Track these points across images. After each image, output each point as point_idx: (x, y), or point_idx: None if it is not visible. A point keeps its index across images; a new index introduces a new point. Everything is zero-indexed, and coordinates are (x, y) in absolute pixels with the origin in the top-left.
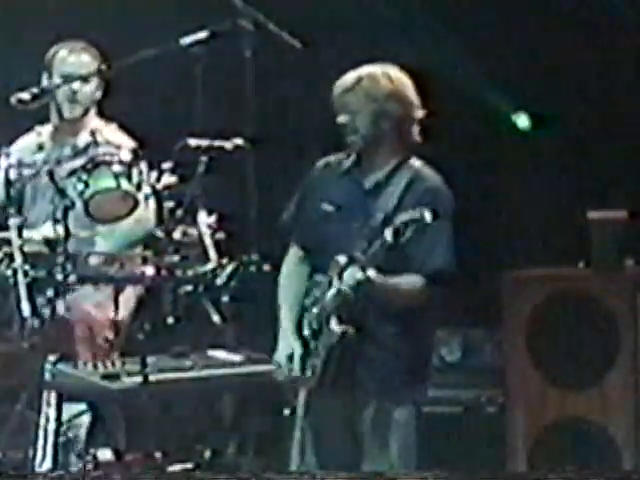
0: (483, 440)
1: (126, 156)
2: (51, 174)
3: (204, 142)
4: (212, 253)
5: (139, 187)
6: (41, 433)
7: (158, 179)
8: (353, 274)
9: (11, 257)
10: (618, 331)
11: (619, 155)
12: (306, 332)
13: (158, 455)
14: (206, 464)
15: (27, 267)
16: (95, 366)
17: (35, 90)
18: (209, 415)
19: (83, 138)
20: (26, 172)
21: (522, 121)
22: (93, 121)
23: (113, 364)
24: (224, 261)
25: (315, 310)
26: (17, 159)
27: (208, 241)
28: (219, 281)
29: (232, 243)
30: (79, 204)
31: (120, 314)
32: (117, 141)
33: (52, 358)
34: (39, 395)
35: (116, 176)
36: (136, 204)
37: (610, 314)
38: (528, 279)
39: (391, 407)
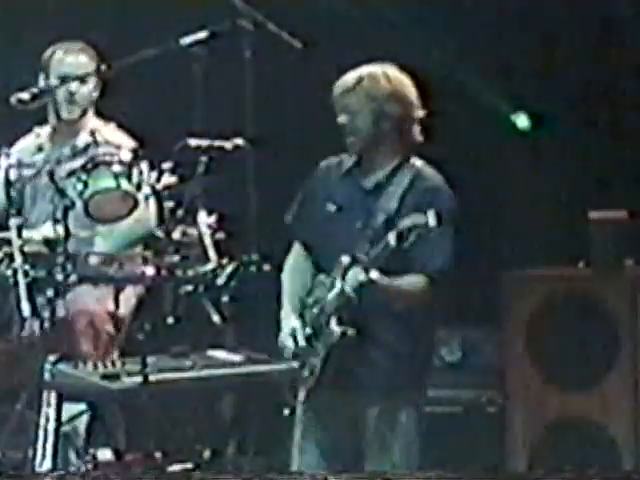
0: (483, 440)
1: (126, 156)
2: (51, 174)
3: (204, 142)
4: (212, 253)
5: (139, 187)
6: (41, 433)
7: (158, 179)
8: (356, 276)
9: (11, 257)
10: (618, 331)
11: (619, 155)
12: (307, 330)
13: (158, 455)
14: (206, 464)
15: (27, 267)
16: (95, 366)
17: (35, 90)
18: (209, 415)
19: (83, 138)
20: (26, 173)
21: (522, 121)
22: (91, 121)
23: (113, 364)
24: (224, 261)
25: (316, 310)
26: (17, 159)
27: (208, 241)
28: (219, 281)
29: (232, 243)
30: (79, 204)
31: (120, 310)
32: (117, 141)
33: (52, 358)
34: (39, 395)
35: (116, 176)
36: (136, 204)
37: (610, 314)
38: (528, 279)
39: (391, 407)
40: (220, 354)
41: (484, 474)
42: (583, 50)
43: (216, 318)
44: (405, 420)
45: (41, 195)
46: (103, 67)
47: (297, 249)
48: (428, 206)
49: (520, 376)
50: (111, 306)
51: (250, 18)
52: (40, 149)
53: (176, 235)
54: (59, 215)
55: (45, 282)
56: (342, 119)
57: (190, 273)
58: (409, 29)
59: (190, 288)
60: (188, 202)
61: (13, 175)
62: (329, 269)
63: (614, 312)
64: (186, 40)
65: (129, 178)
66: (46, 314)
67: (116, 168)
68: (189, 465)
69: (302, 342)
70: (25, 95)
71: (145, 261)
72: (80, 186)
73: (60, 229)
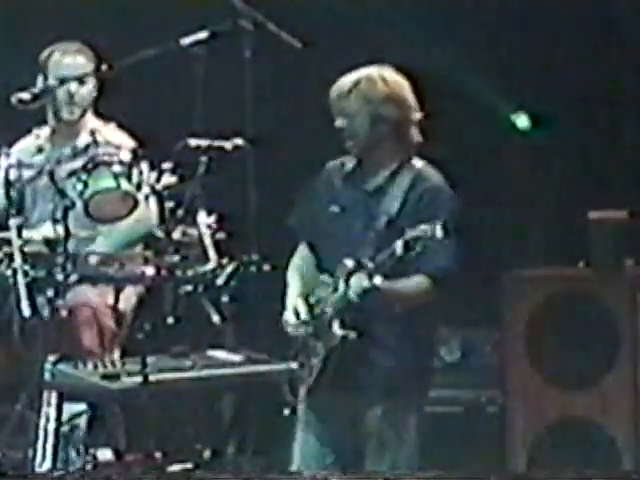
0: (483, 440)
1: (126, 156)
2: (51, 174)
3: (204, 142)
4: (212, 253)
5: (139, 187)
6: (41, 433)
7: (158, 179)
8: (360, 281)
9: (11, 257)
10: (618, 331)
11: (619, 155)
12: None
13: (158, 455)
14: (206, 464)
15: (27, 267)
16: (95, 366)
17: (35, 90)
18: (209, 415)
19: (83, 139)
20: (26, 173)
21: (522, 121)
22: (91, 121)
23: (113, 364)
24: (224, 261)
25: (317, 310)
26: (17, 159)
27: (208, 241)
28: (219, 281)
29: (232, 243)
30: (79, 204)
31: (121, 306)
32: (117, 141)
33: (52, 358)
34: (39, 395)
35: (116, 176)
36: (136, 204)
37: (610, 314)
38: (528, 279)
39: (392, 408)
40: (220, 354)
41: (484, 474)
42: (583, 50)
43: (216, 318)
44: (406, 420)
45: (41, 196)
46: (104, 67)
47: (302, 249)
48: (429, 206)
49: (520, 376)
50: (112, 301)
51: (250, 18)
52: (40, 150)
53: (176, 235)
54: (59, 215)
55: (45, 282)
56: (339, 122)
57: (190, 273)
58: (409, 29)
59: (190, 288)
60: (188, 202)
61: (13, 175)
62: (331, 269)
63: (614, 312)
64: (186, 40)
65: (129, 178)
66: (46, 314)
67: (116, 168)
68: (189, 465)
69: (304, 315)
70: (25, 95)
71: (145, 261)
72: (80, 186)
73: (60, 229)
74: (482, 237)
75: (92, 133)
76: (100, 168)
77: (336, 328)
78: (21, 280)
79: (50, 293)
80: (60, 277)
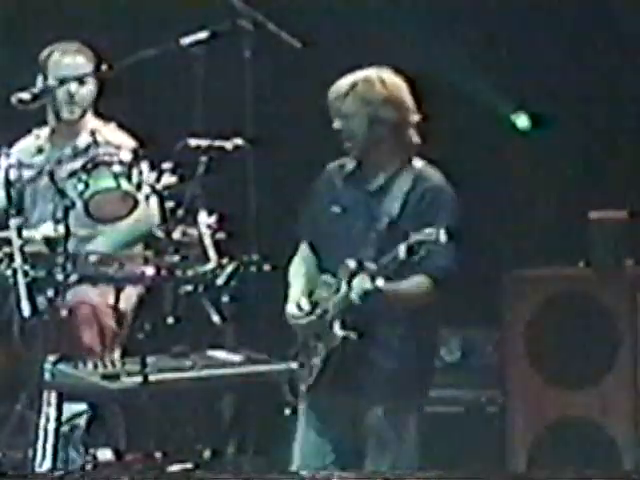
0: (483, 440)
1: (126, 156)
2: (51, 175)
3: (204, 142)
4: (212, 253)
5: (139, 187)
6: (41, 433)
7: (158, 179)
8: (362, 283)
9: (11, 257)
10: (618, 331)
11: (619, 155)
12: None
13: (158, 455)
14: (206, 464)
15: (27, 267)
16: (95, 366)
17: (35, 90)
18: (209, 415)
19: (83, 139)
20: (26, 174)
21: (522, 121)
22: (91, 122)
23: (113, 364)
24: (224, 261)
25: (318, 310)
26: (17, 160)
27: (208, 241)
28: (219, 281)
29: (232, 243)
30: (79, 204)
31: (122, 305)
32: (117, 141)
33: (52, 358)
34: (39, 395)
35: (116, 176)
36: (136, 204)
37: (610, 314)
38: (528, 279)
39: (392, 408)
40: (220, 354)
41: (484, 474)
42: (583, 50)
43: (216, 318)
44: (406, 420)
45: (41, 196)
46: (104, 67)
47: (304, 249)
48: (430, 206)
49: (520, 376)
50: (113, 300)
51: (250, 18)
52: (40, 150)
53: (176, 235)
54: (59, 215)
55: (45, 282)
56: (337, 124)
57: (190, 273)
58: (409, 29)
59: (190, 288)
60: (188, 202)
61: (13, 175)
62: (332, 270)
63: (614, 312)
64: (186, 40)
65: (129, 178)
66: (46, 314)
67: (116, 168)
68: (189, 465)
69: (306, 306)
70: (25, 95)
71: (145, 261)
72: (81, 186)
73: (60, 229)
74: (482, 237)
75: (92, 133)
76: (100, 168)
77: (337, 329)
78: (21, 280)
79: (50, 293)
80: (60, 277)
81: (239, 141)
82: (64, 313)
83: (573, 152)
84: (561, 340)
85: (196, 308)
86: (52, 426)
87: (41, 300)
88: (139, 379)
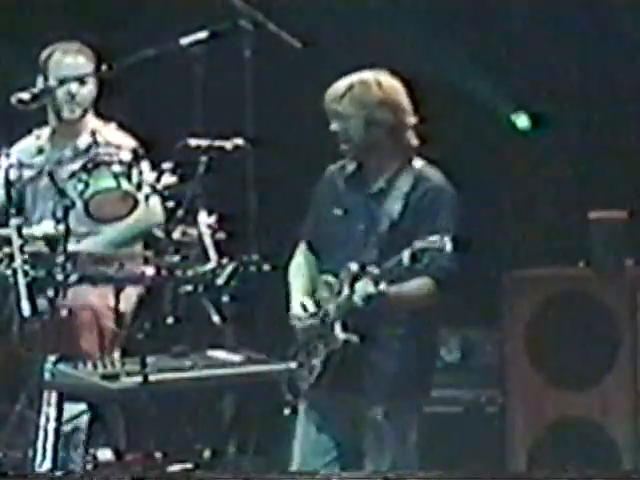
0: (483, 440)
1: (126, 156)
2: (51, 175)
3: (204, 142)
4: (212, 253)
5: (139, 187)
6: (41, 433)
7: (158, 179)
8: (365, 287)
9: (11, 257)
10: (618, 331)
11: (619, 155)
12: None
13: (158, 455)
14: (206, 464)
15: (27, 267)
16: (95, 366)
17: (35, 90)
18: (209, 415)
19: (84, 139)
20: (26, 174)
21: (522, 121)
22: (92, 122)
23: (113, 364)
24: (224, 261)
25: (320, 311)
26: (17, 160)
27: (208, 241)
28: (219, 281)
29: (232, 243)
30: (79, 204)
31: (122, 306)
32: (117, 141)
33: (52, 358)
34: (39, 395)
35: (116, 176)
36: (136, 204)
37: (610, 314)
38: (528, 279)
39: (392, 408)
40: (220, 354)
41: (484, 474)
42: (583, 50)
43: (216, 318)
44: (406, 421)
45: (41, 196)
46: (104, 67)
47: (303, 249)
48: (431, 205)
49: (520, 376)
50: (113, 302)
51: (250, 18)
52: (40, 151)
53: (176, 235)
54: (60, 215)
55: (45, 282)
56: (334, 126)
57: (190, 273)
58: (409, 29)
59: (190, 288)
60: (188, 202)
61: (13, 175)
62: (334, 271)
63: (614, 312)
64: (186, 40)
65: (129, 178)
66: (46, 314)
67: (116, 168)
68: (189, 465)
69: (312, 308)
70: (25, 95)
71: (145, 261)
72: (81, 186)
73: (61, 229)
74: (482, 237)
75: (93, 133)
76: (100, 168)
77: (338, 331)
78: (21, 280)
79: (50, 293)
80: (60, 277)
81: (239, 141)
82: (64, 314)
83: (573, 152)
84: (561, 340)
85: (196, 308)
86: (52, 426)
87: (41, 300)
88: (139, 379)
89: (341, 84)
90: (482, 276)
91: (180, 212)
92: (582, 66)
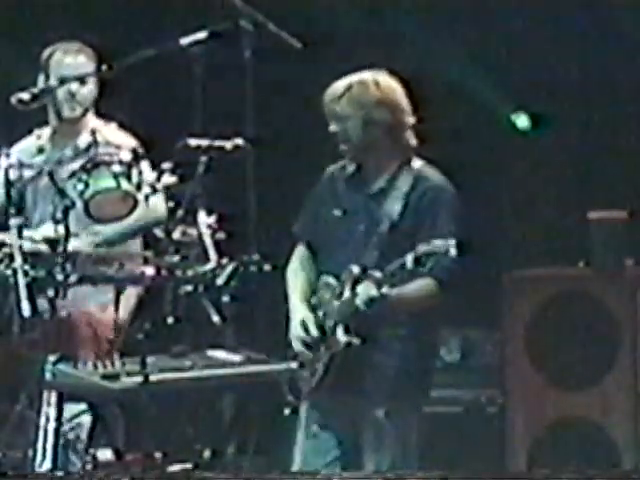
0: (483, 440)
1: (126, 156)
2: (51, 174)
3: (204, 142)
4: (212, 253)
5: (139, 187)
6: (41, 433)
7: (158, 179)
8: (368, 291)
9: (11, 257)
10: (618, 331)
11: (619, 155)
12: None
13: (158, 455)
14: (206, 464)
15: (27, 267)
16: (95, 366)
17: (35, 90)
18: (209, 415)
19: (84, 139)
20: (26, 174)
21: (522, 121)
22: (92, 121)
23: (113, 364)
24: (224, 261)
25: (320, 312)
26: (17, 160)
27: (208, 241)
28: (219, 281)
29: (232, 243)
30: (79, 204)
31: (120, 312)
32: (117, 141)
33: (52, 358)
34: (39, 395)
35: (116, 176)
36: (136, 204)
37: (610, 314)
38: (528, 279)
39: (393, 408)
40: (220, 354)
41: (484, 474)
42: (583, 50)
43: (216, 318)
44: (407, 421)
45: (42, 196)
46: (104, 67)
47: (301, 250)
48: (431, 204)
49: (520, 376)
50: (112, 310)
51: (250, 18)
52: (41, 150)
53: (176, 235)
54: (59, 215)
55: (45, 282)
56: (333, 127)
57: (190, 273)
58: (410, 29)
59: (190, 288)
60: (188, 202)
61: (13, 175)
62: (334, 272)
63: (614, 312)
64: (186, 40)
65: (129, 178)
66: (46, 314)
67: (116, 168)
68: (189, 465)
69: (314, 331)
70: (25, 95)
71: (145, 261)
72: (81, 186)
73: (60, 229)
74: (482, 237)
75: (93, 133)
76: (100, 168)
77: (340, 334)
78: (21, 280)
79: (50, 293)
80: (60, 277)
81: (239, 141)
82: (63, 315)
83: (573, 152)
84: (561, 340)
85: (196, 308)
86: (52, 426)
87: (41, 300)
88: (139, 379)
89: (339, 85)
90: (482, 276)
91: (180, 212)
92: (582, 66)
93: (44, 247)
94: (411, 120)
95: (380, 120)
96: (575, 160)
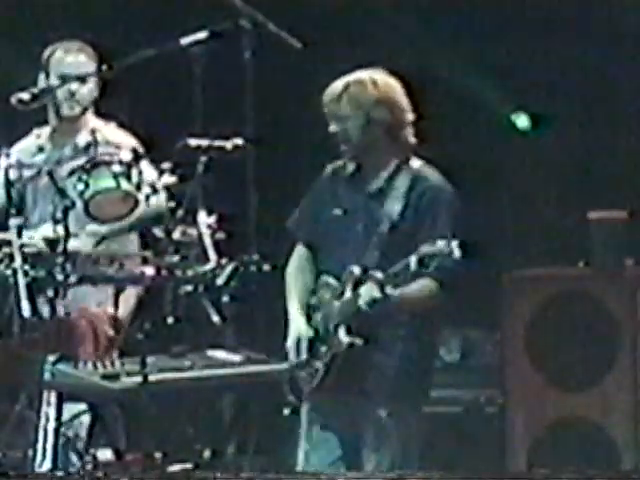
0: (483, 440)
1: (126, 156)
2: (51, 174)
3: (204, 142)
4: (212, 253)
5: (139, 187)
6: (41, 433)
7: (158, 179)
8: (371, 292)
9: (11, 257)
10: (618, 331)
11: (619, 155)
12: (310, 333)
13: (158, 455)
14: (206, 464)
15: (27, 267)
16: (95, 366)
17: (35, 90)
18: (209, 415)
19: (83, 137)
20: (26, 173)
21: (522, 121)
22: (92, 120)
23: (113, 364)
24: (224, 261)
25: (321, 313)
26: (17, 159)
27: (208, 241)
28: (219, 281)
29: (232, 243)
30: (79, 204)
31: (120, 311)
32: (117, 140)
33: (52, 358)
34: (39, 395)
35: (116, 176)
36: (136, 204)
37: (610, 314)
38: (528, 279)
39: (393, 409)
40: (220, 354)
41: (484, 474)
42: (583, 50)
43: (216, 318)
44: (407, 421)
45: (41, 196)
46: (104, 67)
47: (300, 250)
48: (431, 204)
49: (520, 376)
50: (111, 309)
51: (250, 18)
52: (40, 150)
53: (176, 235)
54: (59, 215)
55: (45, 282)
56: (333, 127)
57: (190, 273)
58: (410, 29)
59: (190, 288)
60: (188, 202)
61: (13, 175)
62: (333, 271)
63: (614, 312)
64: (186, 40)
65: (129, 178)
66: (46, 314)
67: (116, 168)
68: (189, 465)
69: (304, 354)
70: (25, 95)
71: (145, 261)
72: (80, 186)
73: (60, 229)
74: (482, 237)
75: (92, 132)
76: (100, 168)
77: (342, 335)
78: (21, 280)
79: (50, 293)
80: (60, 277)
81: (239, 141)
82: (63, 314)
83: (573, 152)
84: (561, 340)
85: (196, 308)
86: (52, 426)
87: (41, 300)
88: (139, 379)
89: (337, 85)
90: (482, 276)
91: (180, 212)
92: (582, 66)
93: (44, 247)
94: (410, 117)
95: (379, 119)
96: (575, 160)
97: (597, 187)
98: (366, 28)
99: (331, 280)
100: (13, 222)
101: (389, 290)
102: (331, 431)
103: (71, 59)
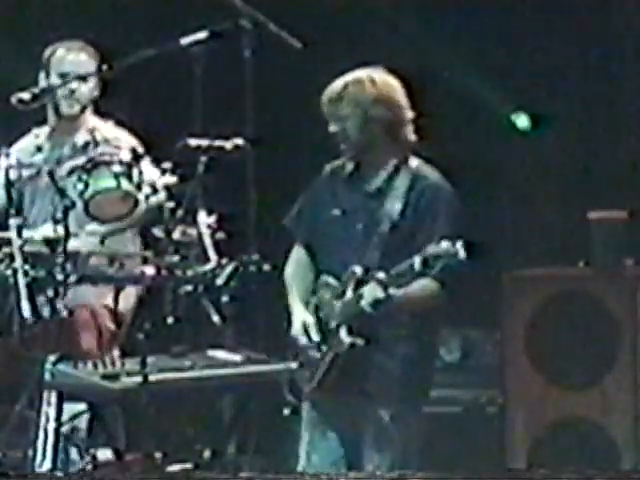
0: (483, 440)
1: (126, 156)
2: (51, 174)
3: (204, 142)
4: (212, 253)
5: (139, 187)
6: (41, 433)
7: (158, 179)
8: (373, 292)
9: (11, 257)
10: (618, 331)
11: (619, 155)
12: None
13: (158, 455)
14: (206, 464)
15: (27, 267)
16: (95, 366)
17: (35, 90)
18: (209, 415)
19: (82, 136)
20: (26, 173)
21: (522, 121)
22: (90, 119)
23: (113, 364)
24: (224, 261)
25: (321, 313)
26: (17, 159)
27: (208, 241)
28: (219, 281)
29: (232, 243)
30: (79, 204)
31: (121, 306)
32: (116, 138)
33: (52, 358)
34: (39, 395)
35: (116, 176)
36: (136, 204)
37: (610, 314)
38: (528, 279)
39: (393, 409)
40: (220, 354)
41: (484, 474)
42: (583, 50)
43: (216, 318)
44: (407, 421)
45: (41, 195)
46: (104, 67)
47: (299, 250)
48: (431, 203)
49: (520, 376)
50: (111, 302)
51: (250, 18)
52: (39, 149)
53: (176, 235)
54: (59, 215)
55: (45, 282)
56: (333, 127)
57: (190, 273)
58: (410, 29)
59: (190, 288)
60: (188, 202)
61: (13, 175)
62: (333, 272)
63: (614, 312)
64: (186, 40)
65: (129, 178)
66: (46, 314)
67: (116, 168)
68: (189, 465)
69: (315, 337)
70: (25, 95)
71: (145, 261)
72: (80, 186)
73: (60, 229)
74: (482, 237)
75: (91, 131)
76: (100, 168)
77: (344, 335)
78: (21, 280)
79: (50, 293)
80: (60, 277)
81: (239, 141)
82: (64, 314)
83: (573, 152)
84: (561, 340)
85: (196, 308)
86: (52, 426)
87: (41, 300)
88: (139, 379)
89: (336, 85)
90: (482, 276)
91: (180, 212)
92: (582, 66)
93: (44, 247)
94: (409, 115)
95: (378, 117)
96: (575, 160)
97: (597, 187)
98: (366, 28)
99: (331, 280)
100: (13, 222)
101: (391, 290)
102: (332, 431)
103: (72, 58)
